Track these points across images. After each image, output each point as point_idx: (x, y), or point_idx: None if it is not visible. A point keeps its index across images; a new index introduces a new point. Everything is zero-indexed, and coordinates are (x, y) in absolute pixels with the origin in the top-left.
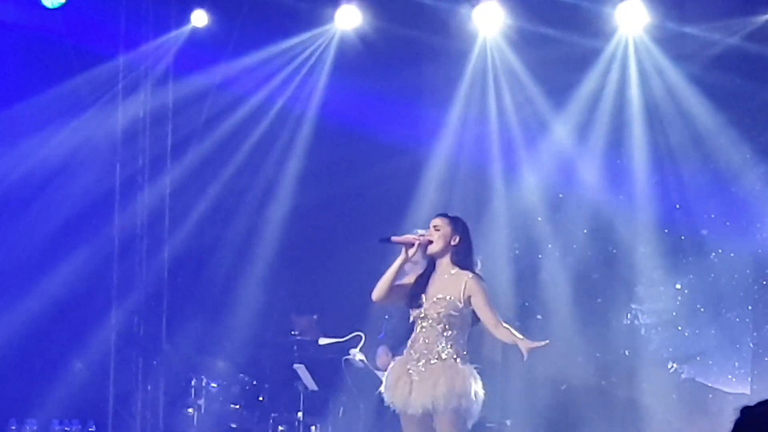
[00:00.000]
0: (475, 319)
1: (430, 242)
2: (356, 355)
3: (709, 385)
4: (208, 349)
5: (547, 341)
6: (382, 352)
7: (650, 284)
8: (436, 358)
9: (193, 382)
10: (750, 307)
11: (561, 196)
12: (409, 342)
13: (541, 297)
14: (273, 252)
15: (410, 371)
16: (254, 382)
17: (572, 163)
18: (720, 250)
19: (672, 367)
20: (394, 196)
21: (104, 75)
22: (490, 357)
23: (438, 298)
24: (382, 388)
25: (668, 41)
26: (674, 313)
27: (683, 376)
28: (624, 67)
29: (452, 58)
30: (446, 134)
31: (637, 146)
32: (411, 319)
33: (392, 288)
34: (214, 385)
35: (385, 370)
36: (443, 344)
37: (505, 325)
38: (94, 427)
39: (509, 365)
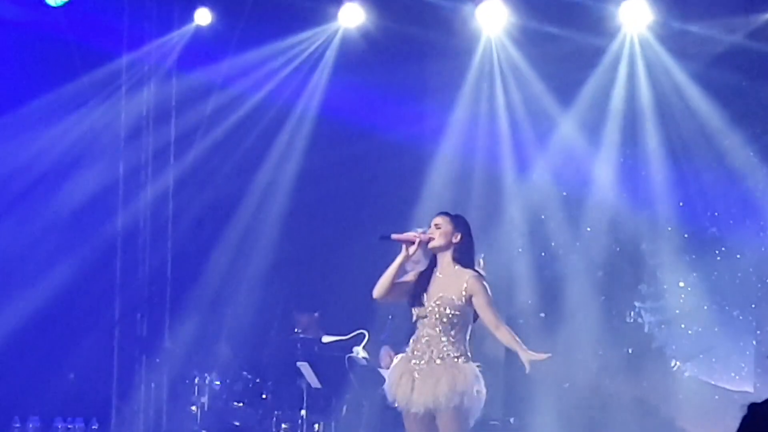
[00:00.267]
0: (477, 317)
1: (431, 239)
2: (359, 352)
3: (713, 383)
4: (210, 346)
5: (549, 354)
6: (384, 353)
7: (654, 282)
8: (438, 357)
9: (196, 380)
10: (754, 306)
11: (565, 194)
12: (412, 340)
13: (545, 295)
14: (276, 249)
15: (412, 370)
16: (257, 380)
17: (576, 160)
18: (724, 249)
19: (675, 365)
20: (398, 194)
21: (107, 73)
22: (493, 355)
23: (439, 297)
24: (385, 386)
25: (671, 39)
26: (678, 312)
27: (687, 374)
28: (627, 65)
29: (456, 56)
30: (450, 132)
31: (641, 144)
32: (413, 318)
33: (393, 286)
34: (217, 382)
35: (387, 369)
36: (445, 343)
37: (506, 327)
38: (96, 424)
39: (512, 363)
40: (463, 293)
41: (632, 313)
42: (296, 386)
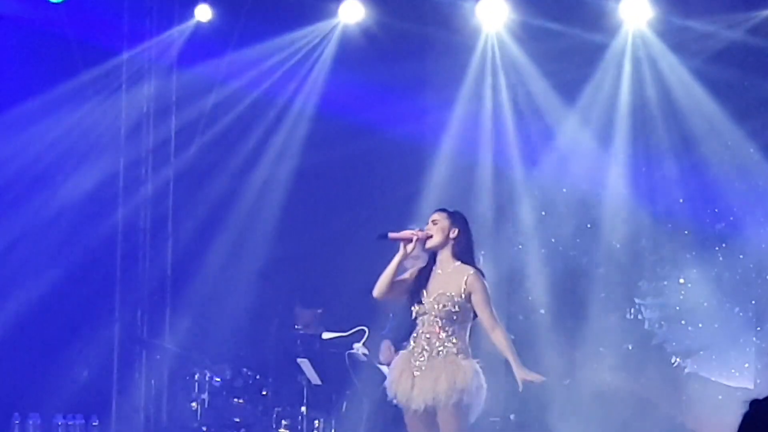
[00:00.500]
0: (477, 313)
1: (429, 237)
2: (360, 349)
3: (713, 379)
4: (211, 343)
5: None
6: (385, 347)
7: (654, 279)
8: (438, 354)
9: (196, 376)
10: (754, 302)
11: (565, 190)
12: (412, 337)
13: (544, 291)
14: (276, 245)
15: (413, 366)
16: (257, 377)
17: (576, 157)
18: (724, 245)
19: (675, 361)
20: (399, 191)
21: (108, 69)
22: (493, 351)
23: (439, 294)
24: (386, 383)
25: (672, 35)
26: (678, 308)
27: (687, 370)
28: (629, 62)
29: (456, 52)
30: (450, 129)
31: (642, 141)
32: (413, 315)
33: (393, 284)
34: (218, 379)
35: (388, 365)
36: (445, 339)
37: (503, 331)
38: (97, 421)
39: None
40: (463, 290)
41: (632, 310)
42: (296, 383)
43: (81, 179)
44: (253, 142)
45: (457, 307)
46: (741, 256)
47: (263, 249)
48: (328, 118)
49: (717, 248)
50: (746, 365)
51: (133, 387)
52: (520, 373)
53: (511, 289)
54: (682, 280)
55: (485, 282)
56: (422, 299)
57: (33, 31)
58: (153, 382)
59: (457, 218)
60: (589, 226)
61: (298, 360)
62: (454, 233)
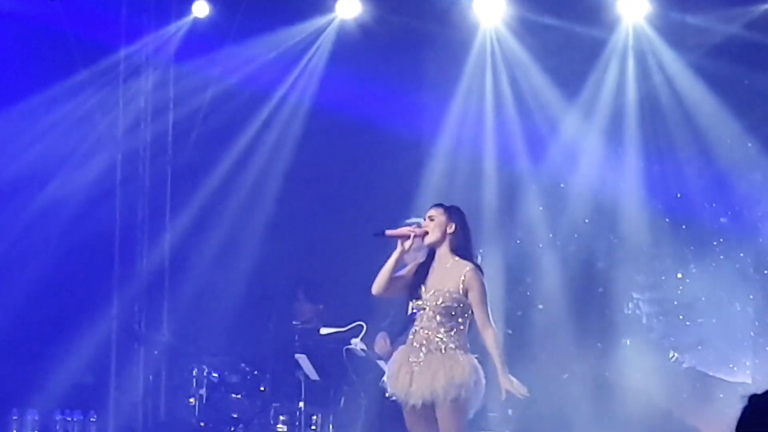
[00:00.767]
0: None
1: (427, 233)
2: (358, 344)
3: (711, 374)
4: (209, 338)
5: (527, 393)
6: (380, 338)
7: (652, 273)
8: (437, 349)
9: (194, 372)
10: (751, 297)
11: (563, 185)
12: (410, 333)
13: (543, 286)
14: (274, 241)
15: (411, 362)
16: (255, 372)
17: (574, 152)
18: (722, 240)
19: (673, 356)
20: (396, 185)
21: (105, 64)
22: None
23: (437, 290)
24: (384, 378)
25: (669, 30)
26: (676, 303)
27: (684, 365)
28: (627, 57)
29: (453, 47)
30: (448, 124)
31: (640, 135)
32: (411, 310)
33: (391, 280)
34: (216, 374)
35: (383, 357)
36: (443, 335)
37: (494, 332)
38: (95, 417)
39: (510, 355)
40: (461, 286)
41: (630, 305)
42: (294, 378)
43: (78, 174)
44: (250, 137)
45: (455, 302)
46: (739, 252)
47: (260, 244)
48: (326, 113)
49: (715, 243)
50: (744, 360)
51: (130, 382)
52: (504, 382)
53: (509, 284)
54: (680, 275)
55: (483, 279)
56: (420, 294)
57: (30, 27)
58: (151, 377)
59: (454, 213)
60: (586, 221)
61: (296, 355)
62: (451, 228)
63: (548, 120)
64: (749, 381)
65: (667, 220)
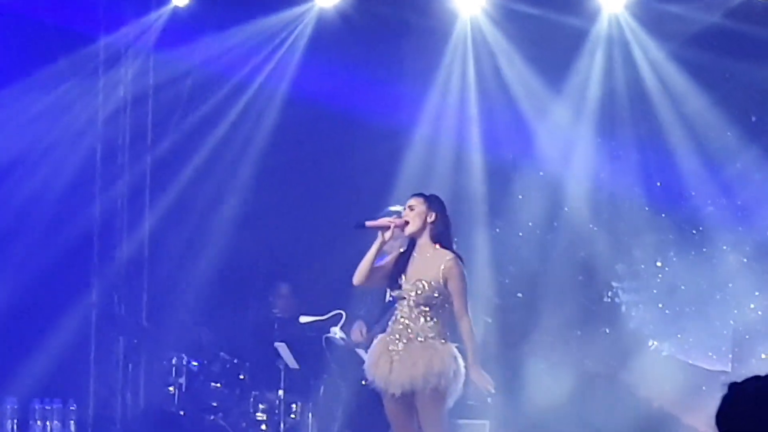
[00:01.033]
0: None
1: (407, 223)
2: (337, 333)
3: (690, 362)
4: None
5: (493, 390)
6: (356, 328)
7: (631, 262)
8: (416, 338)
9: (174, 361)
10: (731, 285)
11: (542, 174)
12: (390, 322)
13: (522, 275)
14: (254, 230)
15: (391, 351)
16: (235, 361)
17: (553, 140)
18: (701, 228)
19: (652, 344)
20: (375, 175)
21: (84, 54)
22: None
23: (417, 279)
24: (364, 367)
25: (650, 20)
26: (655, 291)
27: (664, 353)
28: (607, 46)
29: (433, 36)
30: (427, 112)
31: (620, 124)
32: (389, 298)
33: (372, 271)
34: (195, 363)
35: (360, 346)
36: (423, 324)
37: (469, 323)
38: (75, 405)
39: (489, 344)
40: (441, 275)
41: (610, 293)
42: (274, 367)
43: (58, 163)
44: (229, 126)
45: (434, 292)
46: (718, 240)
47: (239, 232)
48: (305, 101)
49: (694, 232)
50: (723, 348)
51: (110, 371)
52: (474, 372)
53: (488, 272)
54: (659, 264)
55: (463, 269)
56: (400, 284)
57: (7, 16)
58: (130, 366)
59: (434, 202)
60: (566, 209)
61: (276, 344)
62: (431, 218)
63: (528, 109)
64: (728, 369)
65: (647, 208)
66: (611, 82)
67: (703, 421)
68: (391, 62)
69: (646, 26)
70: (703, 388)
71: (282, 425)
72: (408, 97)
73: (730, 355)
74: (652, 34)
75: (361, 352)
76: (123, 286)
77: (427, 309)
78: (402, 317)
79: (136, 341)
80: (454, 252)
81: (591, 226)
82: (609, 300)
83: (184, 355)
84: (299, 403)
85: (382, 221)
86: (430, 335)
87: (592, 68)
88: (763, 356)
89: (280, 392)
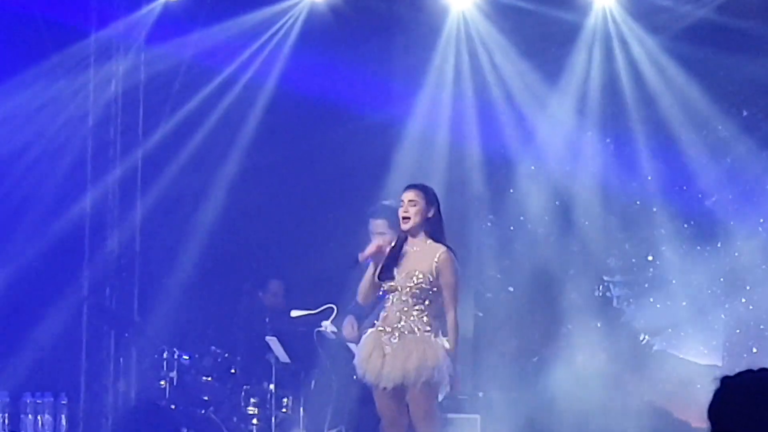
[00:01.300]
0: None
1: (406, 219)
2: (328, 327)
3: (682, 356)
4: (181, 321)
5: (457, 392)
6: (347, 323)
7: (622, 256)
8: (410, 331)
9: (165, 355)
10: (722, 279)
11: (533, 168)
12: (382, 315)
13: (513, 269)
14: (245, 224)
15: (383, 344)
16: (226, 355)
17: (545, 134)
18: (692, 222)
19: (644, 338)
20: (366, 168)
21: (76, 48)
22: (462, 329)
23: (410, 271)
24: (355, 361)
25: (641, 13)
26: (646, 285)
27: (655, 347)
28: (599, 40)
29: (424, 30)
30: (418, 106)
31: (611, 118)
32: (381, 291)
33: (373, 286)
34: (186, 357)
35: (351, 341)
36: (416, 317)
37: (455, 318)
38: (65, 399)
39: (480, 338)
40: (434, 268)
41: (600, 287)
42: (265, 361)
43: (49, 157)
44: (221, 121)
45: (428, 284)
46: (710, 235)
47: (231, 227)
48: (296, 96)
49: (685, 225)
50: (714, 342)
51: (101, 365)
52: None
53: (479, 266)
54: (650, 258)
55: (456, 263)
56: (394, 276)
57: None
58: (121, 360)
59: (431, 196)
60: (557, 203)
61: (267, 338)
62: (430, 213)
63: (519, 103)
64: (720, 363)
65: (638, 202)
66: (602, 76)
67: (696, 415)
68: (383, 56)
69: (638, 20)
70: (695, 382)
71: (273, 419)
72: (399, 92)
73: (722, 350)
74: (643, 28)
75: (352, 346)
76: (114, 280)
77: (421, 301)
78: (396, 310)
79: (127, 335)
80: (447, 245)
81: (582, 220)
82: (600, 294)
83: (175, 349)
84: (290, 397)
85: (372, 248)
86: (425, 329)
87: (583, 62)
88: (755, 350)
89: (272, 386)
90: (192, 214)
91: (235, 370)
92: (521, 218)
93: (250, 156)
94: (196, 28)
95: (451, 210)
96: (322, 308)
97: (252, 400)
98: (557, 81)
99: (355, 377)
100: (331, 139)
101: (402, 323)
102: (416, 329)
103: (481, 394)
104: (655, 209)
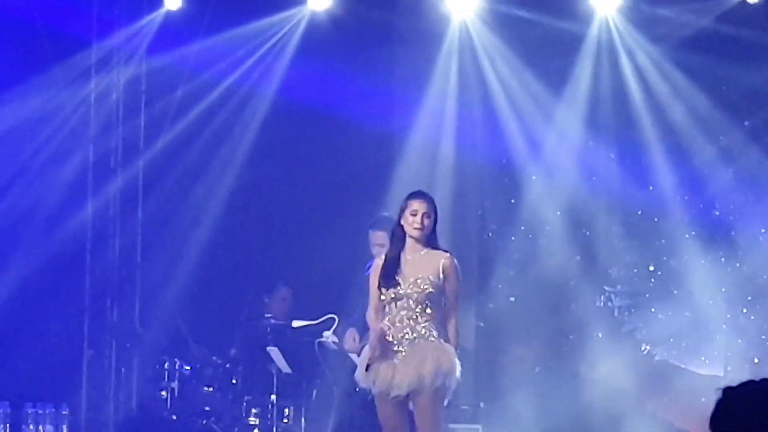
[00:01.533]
0: None
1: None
2: (329, 337)
3: (683, 367)
4: (181, 331)
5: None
6: (349, 335)
7: (624, 266)
8: (421, 337)
9: (166, 365)
10: (724, 290)
11: (534, 178)
12: (387, 324)
13: (514, 278)
14: (246, 234)
15: (394, 353)
16: (227, 365)
17: (547, 144)
18: (693, 233)
19: (645, 348)
20: (367, 178)
21: (77, 58)
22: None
23: (417, 278)
24: (358, 372)
25: (642, 23)
26: (648, 295)
27: (657, 358)
28: (601, 50)
29: (425, 40)
30: (419, 116)
31: (612, 128)
32: (383, 298)
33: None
34: (188, 368)
35: (352, 352)
36: (424, 323)
37: (456, 325)
38: (67, 409)
39: (481, 348)
40: (441, 273)
41: (602, 297)
42: (266, 371)
43: (51, 168)
44: (223, 131)
45: (436, 289)
46: (711, 245)
47: (232, 237)
48: (297, 105)
49: (687, 236)
50: (716, 353)
51: (102, 375)
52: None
53: (480, 276)
54: (652, 268)
55: (459, 270)
56: (398, 283)
57: (1, 20)
58: (123, 370)
59: (435, 205)
60: (559, 213)
61: (268, 348)
62: (435, 221)
63: (521, 113)
64: (721, 374)
65: (639, 212)
66: (605, 86)
67: (698, 425)
68: (383, 66)
69: (639, 30)
70: (697, 393)
71: (275, 430)
72: (400, 100)
73: (724, 360)
74: (645, 37)
75: (354, 356)
76: (115, 290)
77: (428, 307)
78: (401, 318)
79: (128, 345)
80: (449, 252)
81: (583, 230)
82: (601, 304)
83: (176, 359)
84: (292, 408)
85: (365, 356)
86: (434, 334)
87: (585, 72)
88: (757, 361)
89: (273, 397)
90: (193, 225)
91: (237, 381)
92: (522, 228)
93: (251, 166)
94: (197, 38)
95: (452, 220)
96: (323, 319)
97: (253, 410)
98: (558, 90)
99: (357, 389)
100: (332, 149)
101: (410, 330)
102: (427, 334)
103: (482, 405)
104: (657, 219)
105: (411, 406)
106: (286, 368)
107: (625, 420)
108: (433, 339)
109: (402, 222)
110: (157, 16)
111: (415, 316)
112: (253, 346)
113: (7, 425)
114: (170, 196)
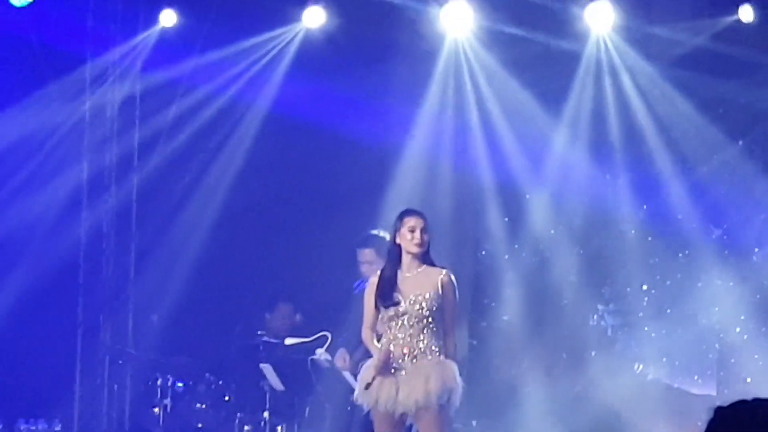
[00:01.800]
0: None
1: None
2: (322, 355)
3: (675, 386)
4: (174, 348)
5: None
6: (340, 355)
7: (617, 285)
8: (422, 354)
9: (159, 382)
10: (717, 309)
11: (528, 196)
12: (383, 342)
13: (507, 298)
14: (240, 251)
15: (396, 371)
16: (220, 382)
17: (540, 163)
18: (687, 251)
19: (638, 367)
20: (362, 195)
21: (72, 74)
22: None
23: (416, 295)
24: (356, 392)
25: (636, 41)
26: (641, 314)
27: (649, 377)
28: (595, 68)
29: (420, 58)
30: (414, 133)
31: (606, 147)
32: (382, 317)
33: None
34: (180, 384)
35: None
36: (424, 340)
37: (453, 341)
38: (59, 426)
39: (475, 366)
40: (440, 290)
41: (595, 316)
42: (259, 388)
43: (45, 184)
44: (217, 147)
45: (435, 306)
46: (703, 263)
47: (226, 255)
48: (292, 122)
49: (680, 255)
50: (709, 372)
51: (95, 392)
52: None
53: (474, 295)
54: (645, 287)
55: (456, 287)
56: (398, 301)
57: None
58: (115, 387)
59: (428, 222)
60: (552, 232)
61: (261, 365)
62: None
63: (514, 130)
64: (714, 393)
65: (633, 231)
66: (600, 105)
67: None
68: (377, 83)
69: (635, 49)
70: (689, 412)
71: None
72: (394, 117)
73: (716, 379)
74: (640, 56)
75: (347, 374)
76: (109, 308)
77: (429, 324)
78: (401, 336)
79: (121, 362)
80: (445, 268)
81: (577, 248)
82: (595, 323)
83: (169, 375)
84: (284, 426)
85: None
86: (436, 351)
87: (580, 91)
88: (749, 380)
89: (266, 414)
90: (186, 241)
91: (229, 398)
92: (516, 247)
93: (246, 183)
94: (192, 55)
95: (446, 238)
96: (317, 336)
97: (246, 427)
98: (554, 109)
99: (349, 407)
100: (326, 165)
101: (411, 347)
102: (428, 351)
103: (474, 423)
104: (650, 238)
105: (409, 423)
106: (278, 385)
107: None
108: (433, 356)
109: (399, 240)
110: (153, 33)
111: (416, 332)
112: (246, 363)
113: None
114: (164, 213)
